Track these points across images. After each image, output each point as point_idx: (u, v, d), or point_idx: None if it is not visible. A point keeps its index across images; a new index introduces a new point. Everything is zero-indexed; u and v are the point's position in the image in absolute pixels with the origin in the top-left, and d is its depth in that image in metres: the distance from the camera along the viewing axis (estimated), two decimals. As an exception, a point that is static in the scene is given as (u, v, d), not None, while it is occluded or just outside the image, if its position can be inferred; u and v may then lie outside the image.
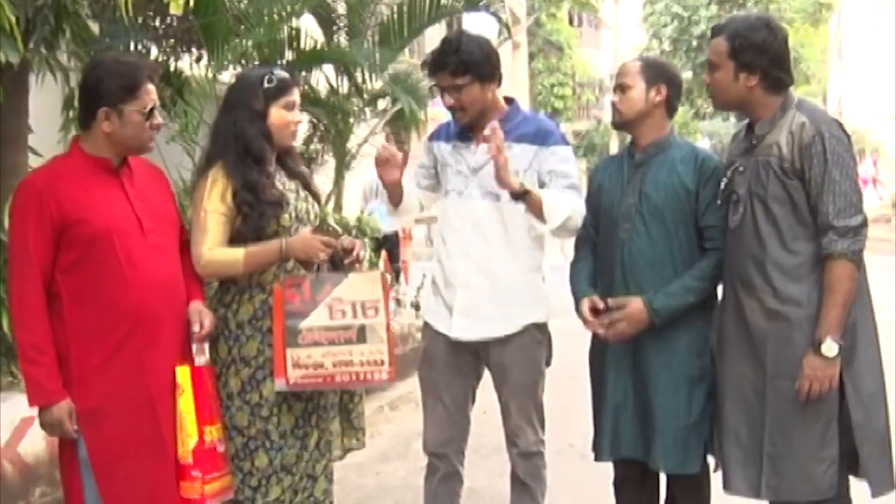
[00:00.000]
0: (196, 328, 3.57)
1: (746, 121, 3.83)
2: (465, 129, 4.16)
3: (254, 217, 3.65)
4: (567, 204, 3.98)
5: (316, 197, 3.97)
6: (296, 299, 3.63)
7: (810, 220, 3.57)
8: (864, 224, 3.56)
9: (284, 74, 3.79)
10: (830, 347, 3.49)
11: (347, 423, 3.97)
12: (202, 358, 3.61)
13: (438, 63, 4.07)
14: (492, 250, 4.08)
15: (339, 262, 3.79)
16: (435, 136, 4.29)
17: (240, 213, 3.66)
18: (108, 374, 3.39)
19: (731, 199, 3.76)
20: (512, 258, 4.09)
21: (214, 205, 3.66)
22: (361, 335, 3.64)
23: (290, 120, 3.77)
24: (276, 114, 3.73)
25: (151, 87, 3.48)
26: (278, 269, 3.69)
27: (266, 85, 3.72)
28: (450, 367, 4.19)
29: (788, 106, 3.65)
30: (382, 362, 3.65)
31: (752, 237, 3.66)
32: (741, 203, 3.70)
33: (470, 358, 4.19)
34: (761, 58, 3.63)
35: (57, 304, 3.36)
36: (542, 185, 4.05)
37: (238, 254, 3.63)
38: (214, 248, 3.64)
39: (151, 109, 3.46)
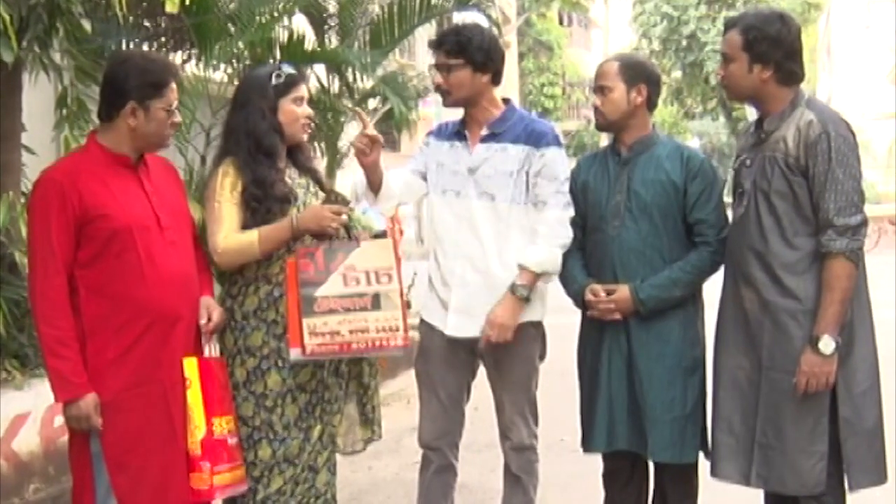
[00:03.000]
0: (204, 321, 3.62)
1: (742, 121, 3.88)
2: (462, 130, 4.18)
3: (261, 212, 3.70)
4: (547, 248, 4.03)
5: (326, 192, 3.97)
6: (310, 269, 3.65)
7: (812, 216, 3.61)
8: (864, 223, 3.59)
9: (292, 70, 3.86)
10: (827, 344, 3.53)
11: (363, 417, 4.01)
12: (211, 351, 3.65)
13: (437, 42, 4.11)
14: (487, 250, 4.10)
15: (350, 233, 3.84)
16: (433, 134, 4.30)
17: (248, 208, 3.71)
18: (124, 368, 3.42)
19: (737, 191, 3.81)
20: (507, 257, 4.10)
21: (227, 195, 3.72)
22: (376, 302, 3.66)
23: (301, 113, 3.83)
24: (287, 108, 3.79)
25: (175, 86, 3.53)
26: (284, 263, 3.72)
27: (275, 81, 3.79)
28: (445, 361, 4.21)
29: (798, 102, 3.69)
30: (397, 328, 3.67)
31: (754, 230, 3.70)
32: (746, 196, 3.75)
33: (465, 353, 4.21)
34: (775, 50, 3.66)
35: (73, 298, 3.38)
36: (532, 185, 4.09)
37: (252, 236, 3.68)
38: (229, 236, 3.69)
39: (174, 107, 3.52)
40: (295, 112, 3.81)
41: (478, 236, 4.08)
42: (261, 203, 3.71)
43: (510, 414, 4.21)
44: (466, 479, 5.34)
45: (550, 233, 4.05)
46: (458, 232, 4.10)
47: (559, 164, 4.11)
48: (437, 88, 4.16)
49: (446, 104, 4.20)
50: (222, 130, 3.98)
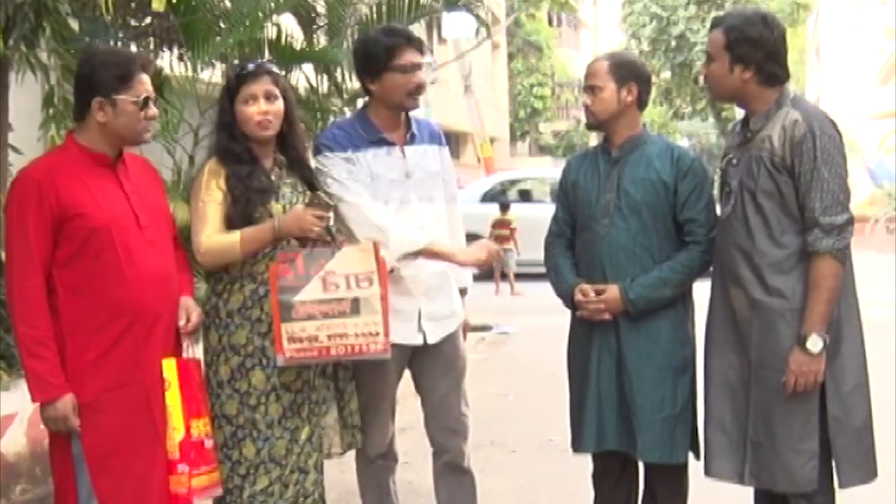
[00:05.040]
0: (182, 322, 3.59)
1: (732, 122, 3.89)
2: (383, 136, 4.08)
3: (241, 202, 3.70)
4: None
5: (315, 190, 3.90)
6: (289, 274, 3.64)
7: (799, 214, 3.61)
8: (850, 222, 3.59)
9: (248, 67, 3.82)
10: (815, 343, 3.53)
11: (342, 421, 3.99)
12: (189, 352, 3.63)
13: (418, 42, 4.08)
14: None
15: (334, 235, 3.84)
16: (346, 146, 4.03)
17: (232, 198, 3.71)
18: (104, 368, 3.39)
19: (724, 190, 3.81)
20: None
21: (211, 195, 3.71)
22: (355, 307, 3.65)
23: (251, 113, 3.75)
24: (238, 108, 3.78)
25: (146, 78, 3.48)
26: (270, 261, 3.71)
27: (233, 80, 3.79)
28: (395, 368, 4.14)
29: (784, 102, 3.69)
30: (377, 333, 3.65)
31: (741, 229, 3.70)
32: (733, 195, 3.75)
33: (404, 358, 4.16)
34: (756, 51, 3.66)
35: (51, 299, 3.35)
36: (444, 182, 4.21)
37: (234, 237, 3.67)
38: (212, 236, 3.68)
39: (146, 100, 3.46)
40: (245, 112, 3.76)
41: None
42: (241, 194, 3.71)
43: (459, 407, 4.25)
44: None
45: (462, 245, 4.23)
46: None
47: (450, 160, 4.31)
48: (419, 87, 4.07)
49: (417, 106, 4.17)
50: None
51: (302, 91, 9.03)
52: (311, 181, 3.96)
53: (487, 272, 14.14)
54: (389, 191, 4.05)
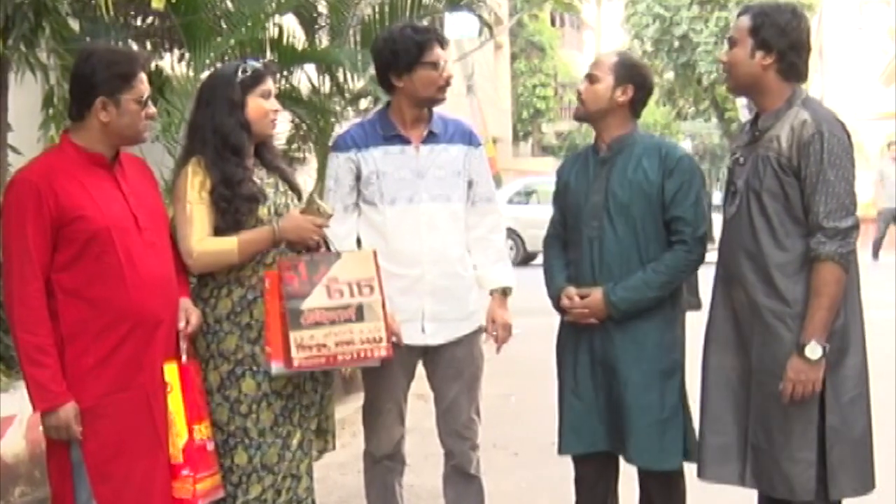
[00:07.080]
0: (182, 324, 3.56)
1: (735, 122, 3.84)
2: (398, 133, 4.09)
3: (230, 212, 3.65)
4: (509, 266, 4.27)
5: (296, 191, 3.95)
6: (294, 281, 3.61)
7: (803, 217, 3.56)
8: (855, 227, 3.54)
9: (257, 64, 3.80)
10: (814, 350, 3.48)
11: (318, 427, 3.94)
12: (188, 354, 3.60)
13: (442, 38, 4.06)
14: (450, 252, 4.11)
15: (329, 243, 3.82)
16: (351, 147, 4.11)
17: (217, 209, 3.65)
18: (105, 373, 3.36)
19: (730, 189, 3.77)
20: (466, 257, 4.16)
21: (197, 196, 3.66)
22: (360, 313, 3.65)
23: (268, 108, 3.77)
24: (254, 103, 3.73)
25: (144, 76, 3.46)
26: (256, 265, 3.68)
27: (241, 76, 3.73)
28: (402, 369, 4.15)
29: (794, 101, 3.65)
30: (381, 339, 3.67)
31: (745, 230, 3.66)
32: (738, 195, 3.70)
33: (414, 357, 4.18)
34: (780, 39, 3.62)
35: (50, 303, 3.31)
36: (471, 183, 4.15)
37: (231, 243, 3.63)
38: (204, 240, 3.63)
39: (146, 98, 3.44)
40: (263, 107, 3.75)
41: (440, 240, 4.07)
42: (230, 203, 3.66)
43: (468, 413, 4.22)
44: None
45: (501, 245, 4.25)
46: (417, 239, 4.06)
47: (486, 160, 4.24)
48: (446, 84, 4.08)
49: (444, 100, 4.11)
50: (187, 129, 3.92)
51: (304, 91, 9.03)
52: (289, 180, 3.96)
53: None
54: (397, 189, 4.05)
